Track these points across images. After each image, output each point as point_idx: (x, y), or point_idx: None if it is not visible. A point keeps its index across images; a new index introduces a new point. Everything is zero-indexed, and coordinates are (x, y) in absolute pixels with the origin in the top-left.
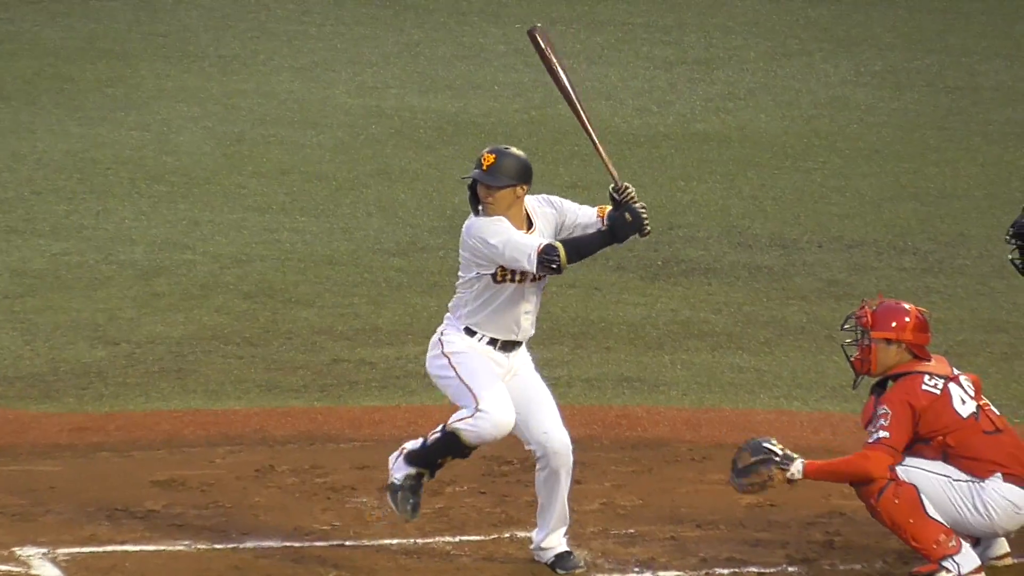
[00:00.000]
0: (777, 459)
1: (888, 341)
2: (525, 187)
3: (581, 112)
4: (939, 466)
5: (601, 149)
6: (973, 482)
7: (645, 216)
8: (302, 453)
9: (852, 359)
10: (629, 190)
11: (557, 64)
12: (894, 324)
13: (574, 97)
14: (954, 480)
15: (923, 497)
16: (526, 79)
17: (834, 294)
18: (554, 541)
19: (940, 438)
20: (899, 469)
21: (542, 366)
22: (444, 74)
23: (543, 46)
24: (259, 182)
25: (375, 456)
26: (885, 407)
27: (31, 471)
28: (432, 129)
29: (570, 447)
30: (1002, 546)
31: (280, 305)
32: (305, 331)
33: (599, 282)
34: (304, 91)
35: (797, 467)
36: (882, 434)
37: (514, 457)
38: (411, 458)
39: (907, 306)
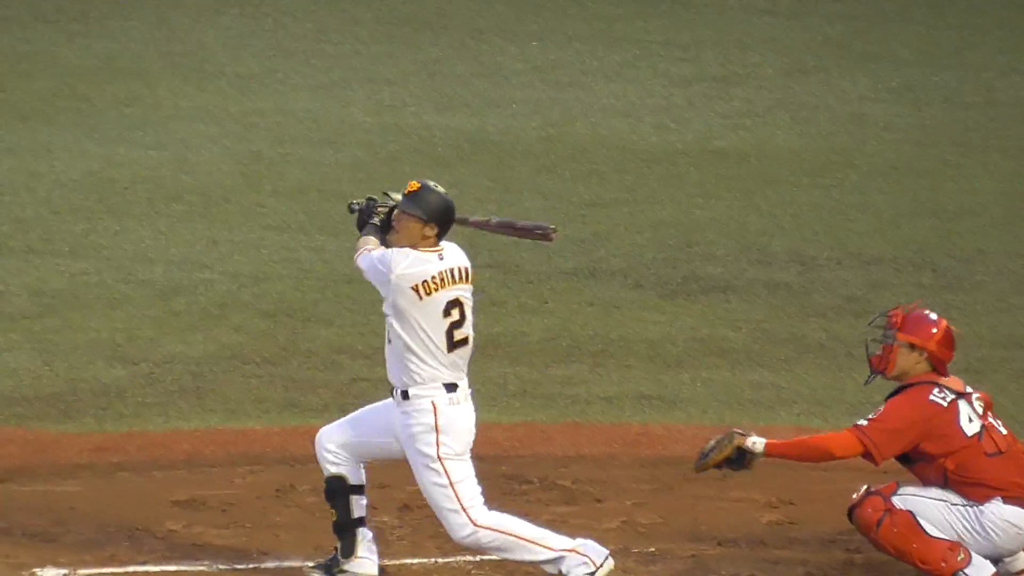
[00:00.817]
0: (739, 432)
1: (912, 346)
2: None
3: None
4: (935, 492)
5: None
6: (971, 506)
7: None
8: (322, 473)
9: (871, 356)
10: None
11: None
12: (922, 331)
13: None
14: (952, 504)
15: (920, 519)
16: (544, 96)
17: (853, 311)
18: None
19: (941, 460)
20: (895, 498)
21: (561, 384)
22: (461, 92)
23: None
24: (277, 201)
25: (394, 475)
26: (883, 407)
27: (51, 491)
28: (450, 147)
29: (462, 539)
30: (1021, 560)
31: (299, 324)
32: (324, 350)
33: (618, 300)
34: (321, 109)
35: (756, 440)
36: (861, 422)
37: (534, 476)
38: (338, 530)
39: (939, 319)
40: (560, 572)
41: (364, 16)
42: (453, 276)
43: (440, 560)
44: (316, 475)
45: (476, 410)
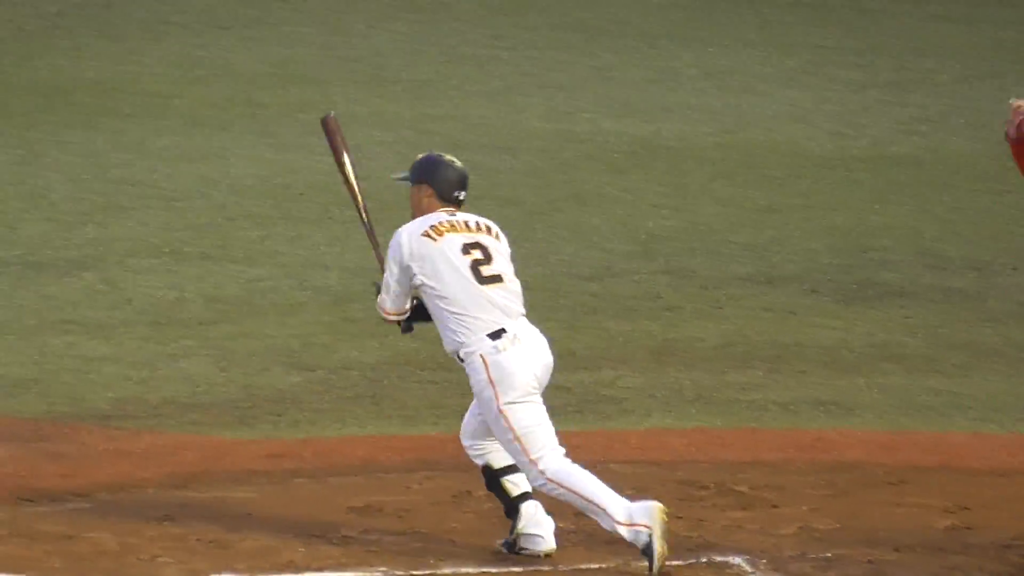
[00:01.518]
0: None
1: None
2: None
3: (359, 199)
4: None
5: (375, 239)
6: None
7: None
8: None
9: None
10: None
11: (344, 153)
12: None
13: (354, 186)
14: None
15: None
16: (718, 103)
17: None
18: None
19: None
20: None
21: (737, 390)
22: (636, 98)
23: (334, 134)
24: None
25: None
26: None
27: (227, 497)
28: (625, 153)
29: (536, 487)
30: None
31: None
32: None
33: (794, 306)
34: (496, 116)
35: None
36: None
37: (710, 482)
38: (507, 514)
39: None
40: (624, 537)
41: (539, 22)
42: (467, 225)
43: (615, 567)
44: None
45: (546, 348)
